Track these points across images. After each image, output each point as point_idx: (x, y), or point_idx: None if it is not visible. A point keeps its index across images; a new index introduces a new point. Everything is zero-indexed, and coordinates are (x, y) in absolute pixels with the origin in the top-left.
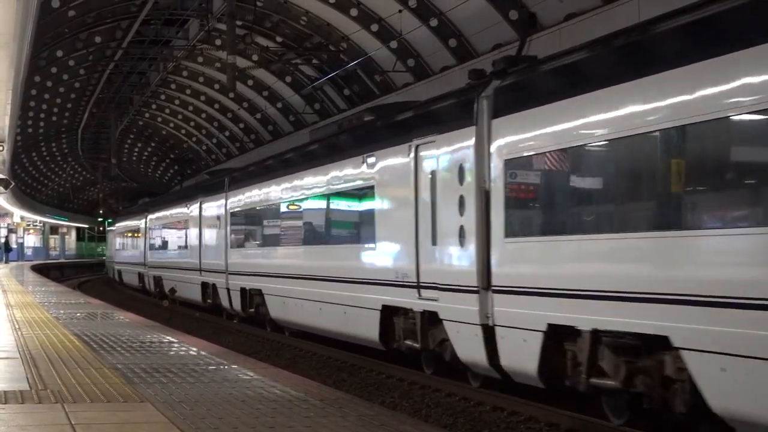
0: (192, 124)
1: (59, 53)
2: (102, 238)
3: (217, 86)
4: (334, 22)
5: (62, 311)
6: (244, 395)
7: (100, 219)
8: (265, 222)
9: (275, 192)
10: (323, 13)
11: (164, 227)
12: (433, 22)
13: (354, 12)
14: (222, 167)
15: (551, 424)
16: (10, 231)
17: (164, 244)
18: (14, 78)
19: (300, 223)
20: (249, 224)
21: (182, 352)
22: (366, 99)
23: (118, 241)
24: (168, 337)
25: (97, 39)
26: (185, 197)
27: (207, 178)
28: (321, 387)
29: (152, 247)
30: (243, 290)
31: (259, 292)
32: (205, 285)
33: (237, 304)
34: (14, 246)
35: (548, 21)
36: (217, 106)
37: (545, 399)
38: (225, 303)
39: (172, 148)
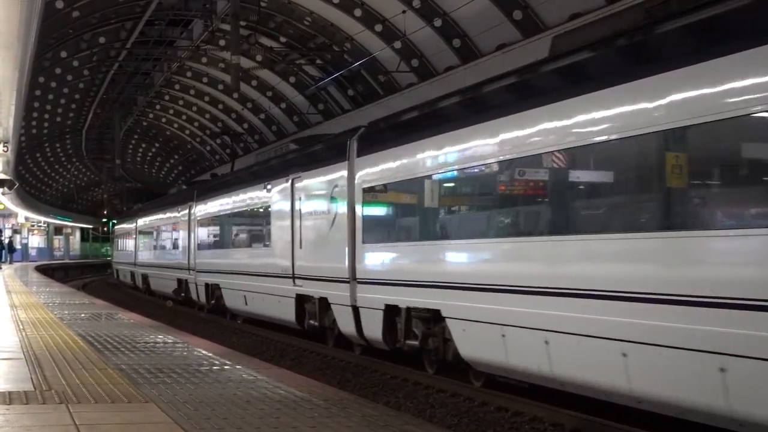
0: (196, 124)
1: (63, 54)
2: (106, 238)
3: (221, 86)
4: (337, 23)
5: (66, 312)
6: (248, 395)
7: (104, 219)
8: (452, 201)
9: (488, 147)
10: (327, 13)
11: (225, 219)
12: (437, 23)
13: (358, 12)
14: (310, 133)
15: (555, 424)
16: (15, 231)
17: (225, 242)
18: (18, 79)
19: (567, 195)
20: (408, 205)
21: (186, 353)
22: (370, 99)
23: (141, 239)
24: (172, 338)
25: (101, 39)
26: (262, 176)
27: (298, 148)
28: (325, 387)
29: (204, 245)
30: (392, 310)
31: (433, 316)
32: (303, 299)
33: (374, 330)
34: (18, 246)
35: (552, 21)
36: (221, 106)
37: (549, 399)
38: (346, 327)
39: (176, 149)
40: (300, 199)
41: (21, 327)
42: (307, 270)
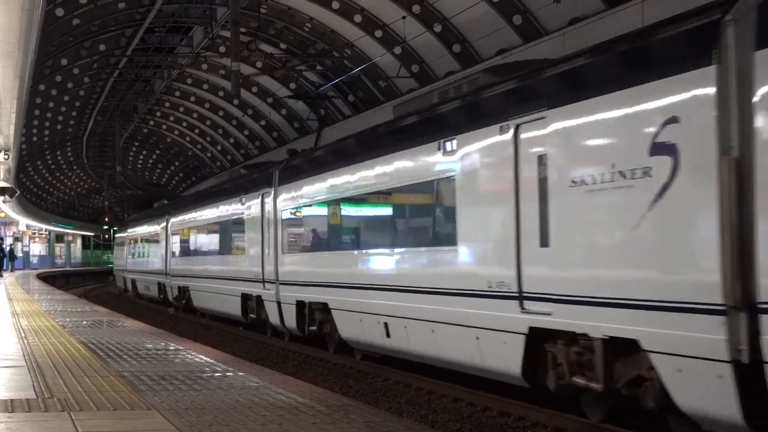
0: (197, 131)
1: (64, 61)
2: (108, 246)
3: (221, 93)
4: (338, 29)
5: (68, 319)
6: (250, 402)
7: (105, 227)
8: None
9: None
10: (327, 19)
11: (339, 207)
12: (437, 28)
13: (358, 18)
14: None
15: (558, 428)
16: (16, 239)
17: (341, 241)
18: (19, 86)
19: None
20: None
21: (188, 360)
22: (370, 105)
23: (177, 243)
24: (174, 345)
25: (102, 47)
26: (429, 130)
27: (521, 74)
28: (327, 393)
29: (295, 248)
30: None
31: None
32: (542, 337)
33: None
34: (20, 254)
35: (552, 25)
36: (221, 113)
37: (552, 404)
38: (712, 406)
39: (177, 156)
40: (541, 162)
41: (23, 335)
42: (566, 285)
